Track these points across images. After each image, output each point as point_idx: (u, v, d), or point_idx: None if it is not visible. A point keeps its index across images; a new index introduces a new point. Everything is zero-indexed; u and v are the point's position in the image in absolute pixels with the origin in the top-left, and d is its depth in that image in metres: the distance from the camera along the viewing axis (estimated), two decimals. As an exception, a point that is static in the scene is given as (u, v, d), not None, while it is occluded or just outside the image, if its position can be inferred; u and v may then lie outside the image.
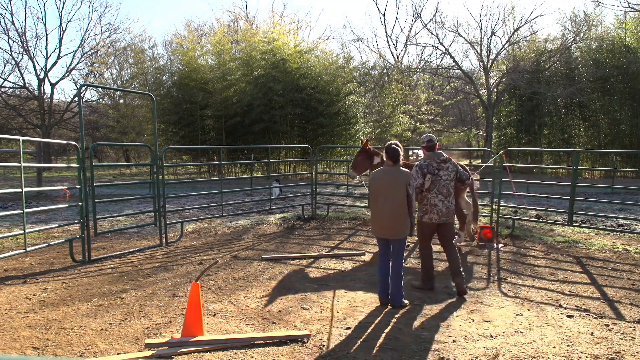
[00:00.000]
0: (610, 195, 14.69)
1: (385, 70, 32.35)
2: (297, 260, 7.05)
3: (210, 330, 4.46)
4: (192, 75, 23.39)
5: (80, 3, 76.39)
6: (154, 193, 8.29)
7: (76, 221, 7.75)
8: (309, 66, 23.37)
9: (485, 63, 27.01)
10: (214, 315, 4.85)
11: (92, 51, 32.70)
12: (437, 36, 32.76)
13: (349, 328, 4.53)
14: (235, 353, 4.01)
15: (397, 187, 5.02)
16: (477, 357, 3.92)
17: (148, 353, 3.97)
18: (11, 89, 32.75)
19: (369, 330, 4.48)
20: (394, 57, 36.24)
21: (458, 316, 4.84)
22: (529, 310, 5.01)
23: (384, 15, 58.38)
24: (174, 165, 19.77)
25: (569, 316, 4.83)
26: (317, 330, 4.48)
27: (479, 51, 27.60)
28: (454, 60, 29.06)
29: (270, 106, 22.68)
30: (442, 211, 5.49)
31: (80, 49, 31.87)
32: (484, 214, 9.69)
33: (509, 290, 5.69)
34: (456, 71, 30.56)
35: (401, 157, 5.22)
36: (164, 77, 26.71)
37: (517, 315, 4.86)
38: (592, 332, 4.43)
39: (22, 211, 6.15)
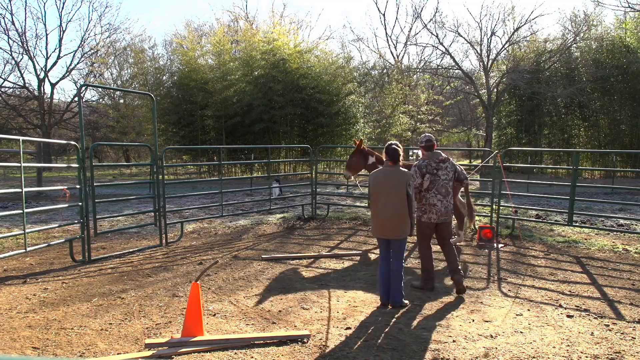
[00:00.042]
0: (610, 195, 14.69)
1: (385, 70, 32.32)
2: (297, 260, 7.06)
3: (210, 330, 4.46)
4: (192, 75, 23.39)
5: (80, 3, 76.49)
6: (154, 193, 8.29)
7: (76, 221, 7.75)
8: (309, 66, 23.37)
9: (485, 63, 26.97)
10: (214, 315, 4.85)
11: (92, 51, 32.72)
12: (437, 36, 32.70)
13: (349, 328, 4.53)
14: (235, 353, 4.01)
15: (397, 187, 5.02)
16: (477, 357, 3.92)
17: (148, 353, 3.97)
18: (11, 89, 32.76)
19: (369, 330, 4.48)
20: (394, 57, 36.23)
21: (458, 316, 4.84)
22: (529, 310, 5.01)
23: (384, 15, 58.32)
24: (174, 165, 19.77)
25: (569, 316, 4.83)
26: (317, 330, 4.48)
27: (479, 51, 27.56)
28: (454, 60, 29.00)
29: (270, 106, 22.68)
30: (440, 211, 5.49)
31: (80, 49, 31.92)
32: (484, 214, 9.70)
33: (509, 290, 5.69)
34: (456, 71, 30.52)
35: (401, 158, 5.22)
36: (164, 77, 26.74)
37: (517, 315, 4.86)
38: (592, 332, 4.44)
39: (22, 211, 6.15)
